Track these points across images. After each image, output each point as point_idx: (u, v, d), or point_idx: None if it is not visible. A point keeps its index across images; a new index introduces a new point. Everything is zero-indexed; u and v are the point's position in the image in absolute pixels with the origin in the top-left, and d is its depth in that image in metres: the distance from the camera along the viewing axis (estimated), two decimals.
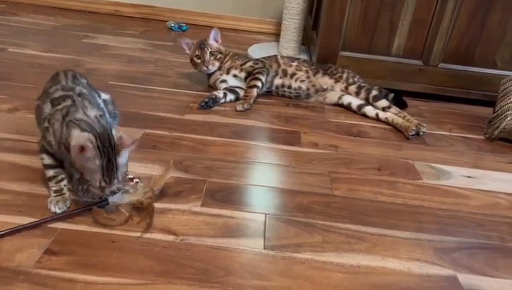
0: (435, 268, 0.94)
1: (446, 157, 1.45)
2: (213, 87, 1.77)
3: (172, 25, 2.67)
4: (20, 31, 2.28)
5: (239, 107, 1.60)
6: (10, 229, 0.90)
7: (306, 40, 2.38)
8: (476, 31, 1.81)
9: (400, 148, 1.47)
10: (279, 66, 1.76)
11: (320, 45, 1.88)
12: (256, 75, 1.69)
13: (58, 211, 0.96)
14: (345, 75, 1.75)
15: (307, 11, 2.27)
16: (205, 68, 1.71)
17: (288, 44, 2.24)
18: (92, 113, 0.96)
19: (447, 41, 1.82)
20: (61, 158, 1.00)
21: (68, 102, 0.97)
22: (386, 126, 1.63)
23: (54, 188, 0.99)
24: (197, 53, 1.71)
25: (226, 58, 1.76)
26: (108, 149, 0.91)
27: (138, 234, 0.94)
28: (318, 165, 1.30)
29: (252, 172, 1.24)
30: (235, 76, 1.73)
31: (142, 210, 0.97)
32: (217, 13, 2.81)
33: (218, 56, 1.72)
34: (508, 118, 1.54)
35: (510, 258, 1.00)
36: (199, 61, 1.71)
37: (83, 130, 0.91)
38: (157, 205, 1.03)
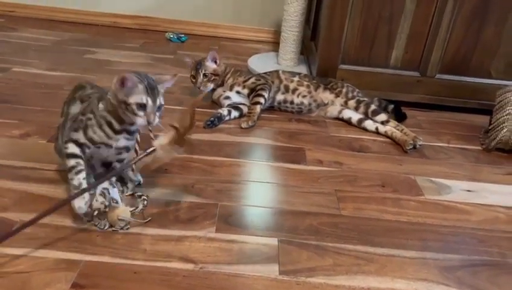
0: (440, 288, 0.99)
1: (445, 170, 1.50)
2: (216, 103, 1.82)
3: (171, 36, 2.70)
4: (21, 48, 2.30)
5: (244, 125, 1.65)
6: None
7: (304, 50, 2.43)
8: (471, 43, 1.86)
9: (401, 162, 1.53)
10: (281, 81, 1.80)
11: (320, 58, 1.92)
12: (259, 92, 1.73)
13: (82, 209, 1.02)
14: (344, 90, 1.79)
15: (304, 21, 2.31)
16: (198, 89, 1.77)
17: (288, 55, 2.28)
18: None
19: (443, 53, 1.88)
20: (89, 154, 1.08)
21: (98, 94, 1.08)
22: (386, 139, 1.68)
23: (73, 182, 1.04)
24: (192, 73, 1.77)
25: (228, 76, 1.80)
26: (144, 76, 1.03)
27: (159, 264, 0.98)
28: (324, 184, 1.35)
29: (262, 194, 1.29)
30: (238, 92, 1.78)
31: (181, 141, 1.05)
32: (215, 23, 2.84)
33: (212, 78, 1.76)
34: (504, 130, 1.60)
35: (511, 274, 1.06)
36: (194, 80, 1.77)
37: None
38: (173, 232, 1.08)
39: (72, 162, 1.05)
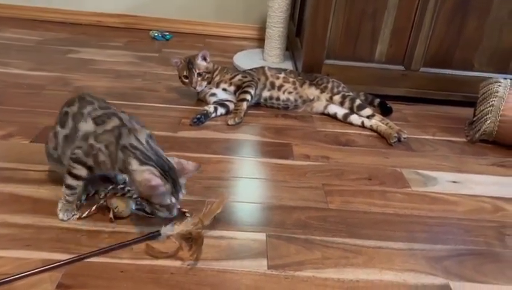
0: (428, 278, 1.00)
1: (431, 162, 1.51)
2: (203, 101, 1.81)
3: (156, 34, 2.68)
4: (3, 48, 2.26)
5: (230, 122, 1.64)
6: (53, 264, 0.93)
7: (289, 46, 2.42)
8: (454, 36, 1.88)
9: (387, 155, 1.53)
10: (267, 78, 1.80)
11: (305, 54, 1.93)
12: (245, 89, 1.72)
13: (65, 218, 1.06)
14: (329, 85, 1.80)
15: (289, 17, 2.31)
16: (193, 88, 1.74)
17: (273, 52, 2.28)
18: (143, 137, 1.03)
19: (427, 46, 1.89)
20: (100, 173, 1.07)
21: (116, 121, 1.03)
22: (372, 133, 1.69)
23: (68, 198, 1.06)
24: (185, 73, 1.74)
25: (216, 73, 1.79)
26: (168, 172, 0.99)
27: (146, 262, 0.97)
28: (311, 179, 1.35)
29: (249, 189, 1.29)
30: (224, 90, 1.77)
31: (192, 240, 1.01)
32: (200, 20, 2.83)
33: (206, 76, 1.74)
34: (488, 122, 1.61)
35: (496, 263, 1.07)
36: (187, 80, 1.74)
37: (141, 162, 0.98)
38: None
39: (74, 182, 1.05)
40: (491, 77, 1.71)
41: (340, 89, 1.81)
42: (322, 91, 1.80)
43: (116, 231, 1.05)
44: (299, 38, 2.23)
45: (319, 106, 1.80)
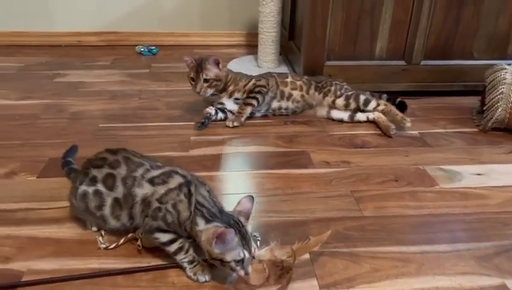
0: (482, 279, 0.97)
1: (450, 156, 1.49)
2: (207, 101, 1.75)
3: (142, 49, 2.59)
4: None
5: (230, 124, 1.63)
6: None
7: (282, 50, 2.38)
8: (452, 26, 1.87)
9: (406, 153, 1.51)
10: (278, 86, 1.74)
11: (305, 58, 1.89)
12: (254, 94, 1.67)
13: (208, 279, 0.94)
14: (332, 88, 1.75)
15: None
16: (197, 93, 1.65)
17: (268, 57, 2.23)
18: (205, 191, 0.98)
19: (426, 39, 1.88)
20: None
21: (178, 178, 0.97)
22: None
23: (186, 259, 0.96)
24: (192, 75, 1.63)
25: (229, 83, 1.69)
26: (235, 224, 0.91)
27: None
28: (338, 186, 1.31)
29: (279, 205, 1.23)
30: (236, 99, 1.70)
31: (282, 270, 0.94)
32: (184, 31, 2.76)
33: (214, 84, 1.63)
34: (499, 109, 1.61)
35: None
36: (193, 83, 1.64)
37: (207, 220, 0.92)
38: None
39: (174, 246, 0.95)
40: (495, 64, 1.70)
41: (343, 91, 1.76)
42: (325, 95, 1.75)
43: (152, 265, 0.98)
44: (293, 42, 2.19)
45: (322, 111, 1.76)
